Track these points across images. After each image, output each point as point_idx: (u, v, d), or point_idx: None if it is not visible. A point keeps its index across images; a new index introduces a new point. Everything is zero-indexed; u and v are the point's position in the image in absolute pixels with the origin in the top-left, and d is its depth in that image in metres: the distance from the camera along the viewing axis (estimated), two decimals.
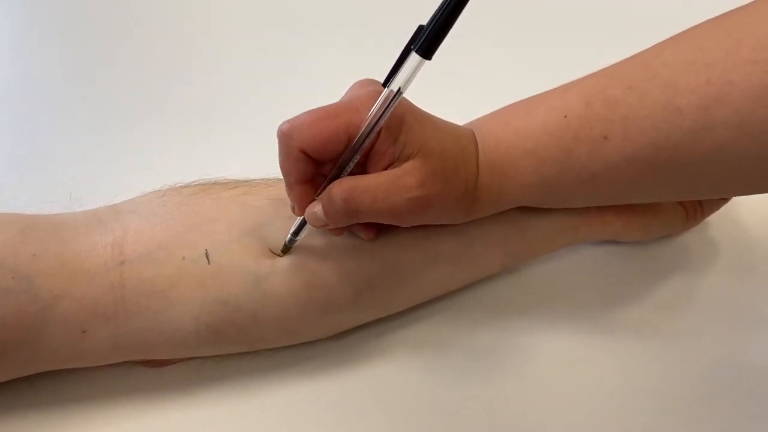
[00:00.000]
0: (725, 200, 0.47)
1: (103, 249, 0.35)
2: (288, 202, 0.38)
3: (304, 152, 0.33)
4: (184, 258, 0.36)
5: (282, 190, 0.39)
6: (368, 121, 0.33)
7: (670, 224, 0.47)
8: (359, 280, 0.38)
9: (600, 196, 0.40)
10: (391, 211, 0.34)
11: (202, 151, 0.53)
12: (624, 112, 0.34)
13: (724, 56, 0.32)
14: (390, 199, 0.34)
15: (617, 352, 0.42)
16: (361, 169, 0.35)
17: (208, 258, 0.36)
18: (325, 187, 0.35)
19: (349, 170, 0.35)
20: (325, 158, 0.34)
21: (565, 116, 0.36)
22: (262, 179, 0.41)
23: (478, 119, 0.40)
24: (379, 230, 0.38)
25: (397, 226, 0.38)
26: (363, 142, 0.33)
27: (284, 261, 0.37)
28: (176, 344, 0.36)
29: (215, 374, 0.39)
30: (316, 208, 0.35)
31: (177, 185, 0.40)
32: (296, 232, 0.37)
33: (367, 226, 0.38)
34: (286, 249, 0.37)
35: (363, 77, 0.37)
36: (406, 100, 0.35)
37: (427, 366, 0.41)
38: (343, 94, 0.36)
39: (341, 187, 0.34)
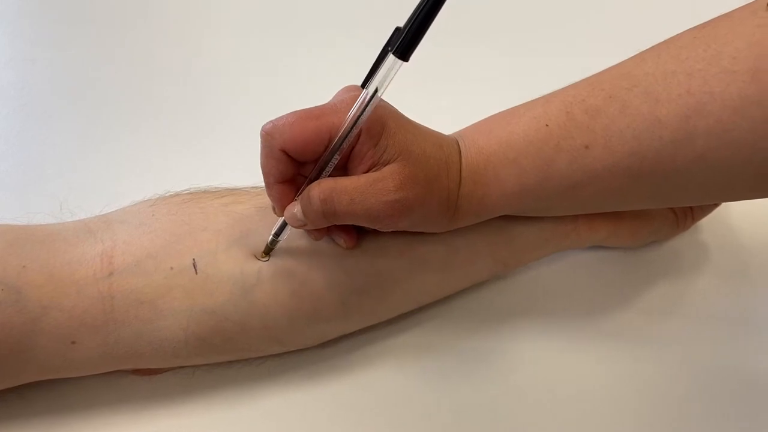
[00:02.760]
0: (716, 204, 0.47)
1: (92, 260, 0.36)
2: None
3: (284, 152, 0.34)
4: (172, 268, 0.36)
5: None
6: (347, 122, 0.33)
7: (660, 230, 0.47)
8: (346, 289, 0.38)
9: (582, 205, 0.40)
10: (368, 214, 0.34)
11: (193, 159, 0.53)
12: (605, 122, 0.34)
13: (704, 66, 0.32)
14: (367, 201, 0.34)
15: (608, 357, 0.42)
16: (342, 172, 0.36)
17: (195, 268, 0.36)
18: (304, 188, 0.35)
19: (328, 172, 0.35)
20: (306, 159, 0.35)
21: (547, 125, 0.36)
22: (251, 187, 0.41)
23: (463, 129, 0.40)
24: (360, 238, 0.38)
25: (383, 234, 0.39)
26: (342, 142, 0.34)
27: (271, 270, 0.37)
28: (165, 354, 0.37)
29: (205, 383, 0.39)
30: (295, 208, 0.35)
31: (167, 194, 0.41)
32: (278, 233, 0.37)
33: (347, 232, 0.38)
34: (269, 250, 0.37)
35: (352, 83, 0.37)
36: (390, 105, 0.36)
37: (417, 373, 0.41)
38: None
39: (320, 188, 0.34)
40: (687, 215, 0.47)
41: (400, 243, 0.39)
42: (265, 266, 0.37)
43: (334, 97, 0.36)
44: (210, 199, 0.40)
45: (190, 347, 0.37)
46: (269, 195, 0.36)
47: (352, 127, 0.33)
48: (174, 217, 0.38)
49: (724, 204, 0.49)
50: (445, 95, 0.59)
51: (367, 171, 0.35)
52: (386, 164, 0.34)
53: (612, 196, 0.37)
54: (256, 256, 0.37)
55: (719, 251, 0.49)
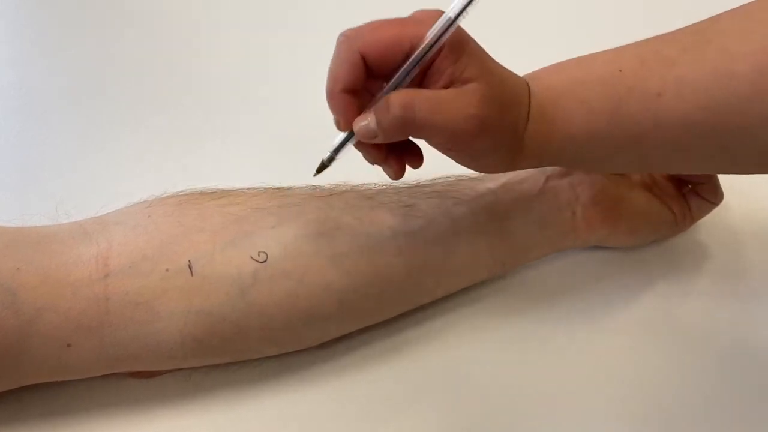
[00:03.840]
0: (714, 204, 0.47)
1: (88, 261, 0.35)
2: (272, 210, 0.39)
3: (362, 57, 0.33)
4: (167, 269, 0.36)
5: (266, 200, 0.39)
6: (432, 34, 0.32)
7: (658, 230, 0.46)
8: (342, 289, 0.38)
9: (645, 160, 0.39)
10: (447, 126, 0.33)
11: (190, 161, 0.53)
12: (679, 72, 0.34)
13: None
14: (449, 113, 0.33)
15: (607, 357, 0.42)
16: (418, 88, 0.35)
17: (191, 269, 0.36)
18: (379, 99, 0.34)
19: (406, 84, 0.34)
20: (383, 67, 0.33)
21: (620, 70, 0.35)
22: (247, 188, 0.41)
23: (532, 72, 0.39)
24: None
25: (382, 234, 0.38)
26: (426, 53, 0.33)
27: (268, 270, 0.37)
28: (162, 356, 0.36)
29: (202, 385, 0.39)
30: (368, 118, 0.34)
31: (163, 195, 0.40)
32: (337, 149, 0.35)
33: (400, 161, 0.36)
34: (323, 167, 0.36)
35: None
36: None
37: (415, 374, 0.41)
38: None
39: (402, 94, 0.33)
40: (686, 215, 0.47)
41: (398, 243, 0.39)
42: (261, 267, 0.37)
43: (411, 15, 0.35)
44: (206, 200, 0.39)
45: (187, 349, 0.36)
46: (332, 105, 0.34)
47: (438, 39, 0.32)
48: (170, 219, 0.38)
49: (723, 204, 0.49)
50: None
51: (444, 88, 0.34)
52: (466, 82, 0.34)
53: (677, 152, 0.37)
54: (256, 260, 0.37)
55: (718, 251, 0.49)
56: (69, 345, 0.35)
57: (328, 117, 0.35)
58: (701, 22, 0.35)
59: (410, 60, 0.33)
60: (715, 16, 0.35)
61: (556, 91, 0.36)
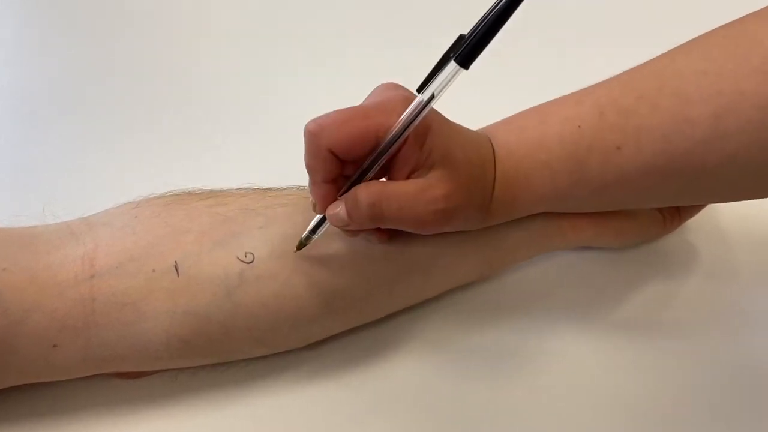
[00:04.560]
0: (703, 205, 0.47)
1: (74, 262, 0.35)
2: (259, 211, 0.39)
3: (331, 152, 0.33)
4: (154, 270, 0.36)
5: (253, 201, 0.39)
6: (399, 125, 0.33)
7: (647, 230, 0.46)
8: (329, 290, 0.38)
9: (612, 204, 0.40)
10: (416, 221, 0.35)
11: (177, 161, 0.53)
12: (637, 122, 0.35)
13: (735, 67, 0.32)
14: (416, 209, 0.34)
15: (595, 358, 0.42)
16: (383, 171, 0.35)
17: (177, 270, 0.36)
18: (348, 189, 0.35)
19: (373, 173, 0.35)
20: (351, 159, 0.34)
21: (579, 126, 0.36)
22: (235, 189, 0.41)
23: (492, 126, 0.40)
24: (392, 235, 0.38)
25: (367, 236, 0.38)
26: (392, 146, 0.33)
27: (255, 271, 0.37)
28: (148, 356, 0.36)
29: (189, 386, 0.39)
30: (338, 208, 0.35)
31: (151, 196, 0.40)
32: (314, 230, 0.37)
33: (381, 231, 0.38)
34: (302, 245, 0.37)
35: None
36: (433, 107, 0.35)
37: (403, 374, 0.41)
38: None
39: (368, 191, 0.34)
40: (674, 216, 0.47)
41: (386, 244, 0.39)
42: (248, 268, 0.37)
43: (374, 95, 0.36)
44: (194, 201, 0.39)
45: (173, 349, 0.36)
46: (313, 193, 0.35)
47: (404, 131, 0.33)
48: (157, 219, 0.38)
49: (711, 204, 0.49)
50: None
51: (411, 173, 0.35)
52: (430, 167, 0.34)
53: (642, 195, 0.38)
54: (243, 261, 0.37)
55: (707, 251, 0.49)
56: (55, 345, 0.35)
57: None
58: (659, 60, 0.36)
59: (376, 153, 0.34)
60: (672, 51, 0.36)
61: (516, 156, 0.37)
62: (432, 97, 0.32)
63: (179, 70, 0.63)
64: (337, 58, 0.64)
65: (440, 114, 0.36)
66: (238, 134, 0.56)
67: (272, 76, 0.62)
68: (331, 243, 0.38)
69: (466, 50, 0.30)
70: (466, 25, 0.31)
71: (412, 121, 0.33)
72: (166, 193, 0.40)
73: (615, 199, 0.38)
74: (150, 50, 0.65)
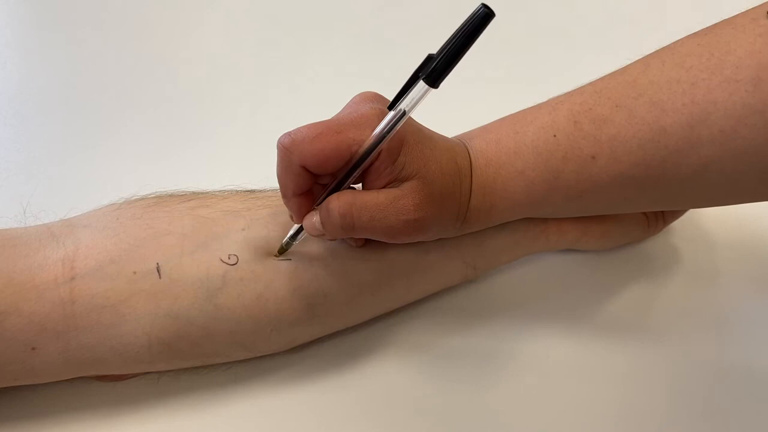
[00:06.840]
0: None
1: (54, 264, 0.35)
2: (242, 213, 0.39)
3: (304, 167, 0.33)
4: (135, 272, 0.35)
5: (236, 203, 0.39)
6: (371, 141, 0.33)
7: (630, 233, 0.47)
8: (312, 293, 0.38)
9: (588, 210, 0.40)
10: (387, 231, 0.35)
11: (159, 163, 0.53)
12: (612, 132, 0.35)
13: (708, 76, 0.32)
14: (387, 220, 0.34)
15: (579, 359, 0.42)
16: (358, 182, 0.36)
17: (159, 272, 0.36)
18: (323, 199, 0.35)
19: (347, 186, 0.35)
20: (325, 173, 0.34)
21: (555, 135, 0.36)
22: (217, 191, 0.41)
23: (469, 133, 0.40)
24: (369, 240, 0.38)
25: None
26: (364, 160, 0.34)
27: (237, 273, 0.37)
28: (129, 359, 0.36)
29: (171, 388, 0.39)
30: (314, 218, 0.35)
31: (133, 198, 0.40)
32: (293, 236, 0.37)
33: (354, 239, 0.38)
34: (283, 251, 0.38)
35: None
36: (409, 117, 0.35)
37: (386, 377, 0.41)
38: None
39: (340, 202, 0.34)
40: (658, 218, 0.47)
41: (368, 247, 0.39)
42: (231, 270, 0.37)
43: (350, 107, 0.36)
44: (176, 203, 0.39)
45: (154, 352, 0.36)
46: (287, 205, 0.36)
47: (376, 146, 0.33)
48: (139, 221, 0.38)
49: None
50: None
51: (384, 185, 0.35)
52: (404, 180, 0.35)
53: (618, 202, 0.38)
54: (227, 263, 0.37)
55: (690, 253, 0.49)
56: (34, 348, 0.34)
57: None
58: (634, 68, 0.36)
59: (348, 168, 0.34)
60: (646, 59, 0.36)
61: (493, 165, 0.38)
62: (403, 113, 0.32)
63: (163, 71, 0.63)
64: (322, 59, 0.64)
65: (416, 124, 0.36)
66: (221, 136, 0.56)
67: (257, 77, 0.62)
68: (314, 246, 0.38)
69: (435, 71, 0.30)
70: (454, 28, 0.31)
71: (383, 137, 0.33)
72: (148, 194, 0.40)
73: (592, 205, 0.39)
74: (133, 53, 0.65)
